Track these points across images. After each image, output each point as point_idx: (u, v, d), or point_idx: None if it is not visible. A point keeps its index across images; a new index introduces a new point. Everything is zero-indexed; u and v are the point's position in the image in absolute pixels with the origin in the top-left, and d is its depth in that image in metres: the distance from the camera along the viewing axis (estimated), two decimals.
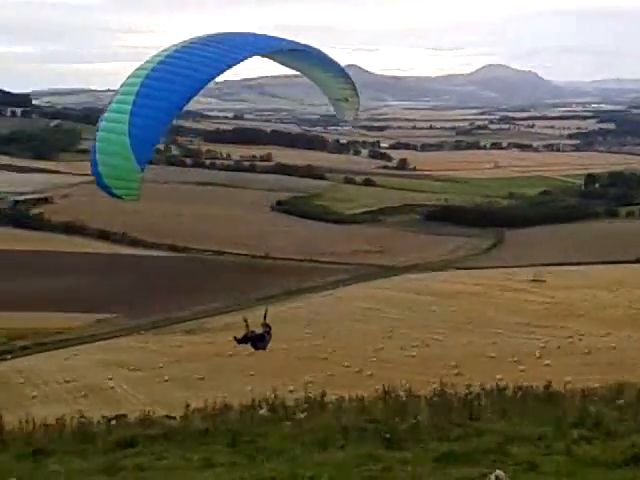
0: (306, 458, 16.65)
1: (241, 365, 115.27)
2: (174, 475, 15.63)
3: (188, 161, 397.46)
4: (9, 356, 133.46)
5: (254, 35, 20.94)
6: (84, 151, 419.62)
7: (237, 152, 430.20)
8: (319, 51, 22.01)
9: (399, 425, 18.49)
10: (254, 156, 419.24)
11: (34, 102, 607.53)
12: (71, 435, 19.78)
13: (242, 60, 19.60)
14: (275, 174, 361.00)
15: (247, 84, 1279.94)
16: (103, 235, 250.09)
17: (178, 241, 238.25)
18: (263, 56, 21.59)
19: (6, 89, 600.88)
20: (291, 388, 68.02)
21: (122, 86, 18.84)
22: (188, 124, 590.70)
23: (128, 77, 18.90)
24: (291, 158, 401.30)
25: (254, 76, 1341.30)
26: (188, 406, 22.91)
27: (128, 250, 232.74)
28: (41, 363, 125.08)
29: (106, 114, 18.71)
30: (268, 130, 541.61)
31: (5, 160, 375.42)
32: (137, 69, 18.94)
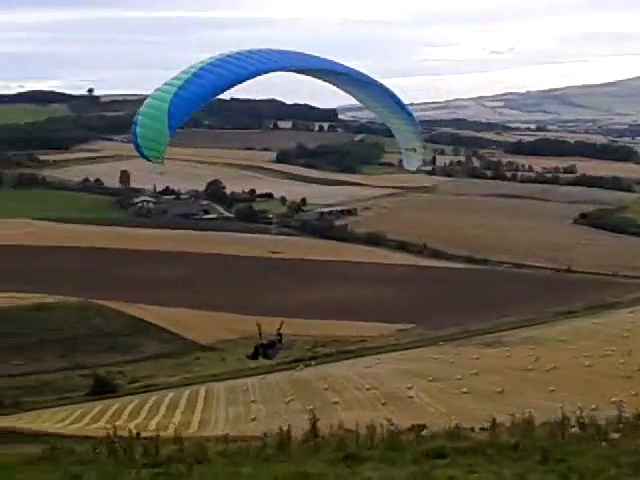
0: None
1: (540, 380, 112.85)
2: None
3: (489, 173, 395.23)
4: (313, 362, 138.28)
5: (306, 55, 22.96)
6: (386, 164, 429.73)
7: (539, 164, 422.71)
8: (387, 90, 22.94)
9: None
10: (557, 168, 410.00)
11: (340, 117, 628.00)
12: (380, 442, 19.90)
13: (273, 70, 21.79)
14: (579, 186, 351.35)
15: (551, 95, 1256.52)
16: (402, 246, 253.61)
17: (476, 253, 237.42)
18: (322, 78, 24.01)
19: (314, 105, 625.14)
20: (593, 406, 65.70)
21: (189, 67, 21.02)
22: (489, 136, 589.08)
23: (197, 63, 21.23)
24: (596, 169, 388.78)
25: (558, 86, 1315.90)
26: (494, 420, 22.46)
27: (427, 261, 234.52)
28: (343, 370, 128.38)
29: (161, 86, 20.87)
30: (572, 141, 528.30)
31: (312, 173, 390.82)
32: (202, 61, 21.27)
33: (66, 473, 17.66)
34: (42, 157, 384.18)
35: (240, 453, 19.50)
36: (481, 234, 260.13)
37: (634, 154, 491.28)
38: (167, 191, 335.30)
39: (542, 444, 18.75)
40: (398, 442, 19.77)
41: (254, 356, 25.59)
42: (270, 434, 21.49)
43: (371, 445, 19.80)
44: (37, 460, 19.51)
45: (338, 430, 21.08)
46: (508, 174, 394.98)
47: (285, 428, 20.35)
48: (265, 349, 25.35)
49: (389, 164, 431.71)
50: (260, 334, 25.69)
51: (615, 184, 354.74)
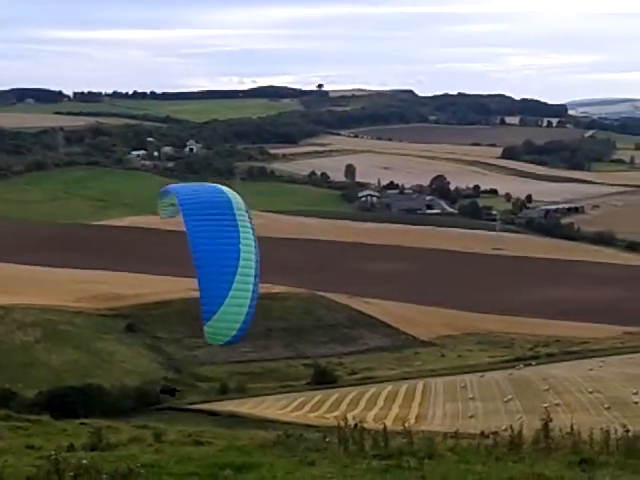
0: None
1: None
2: None
3: None
4: (534, 362, 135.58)
5: None
6: (618, 161, 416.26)
7: None
8: None
9: None
10: None
11: (570, 112, 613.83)
12: (616, 448, 19.21)
13: None
14: None
15: None
16: (633, 246, 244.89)
17: None
18: None
19: (543, 100, 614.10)
20: None
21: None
22: None
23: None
24: None
25: None
26: None
27: None
28: (565, 371, 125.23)
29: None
30: None
31: (539, 170, 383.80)
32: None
33: (302, 460, 18.09)
34: (272, 151, 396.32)
35: (470, 450, 19.34)
36: None
37: None
38: (391, 185, 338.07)
39: None
40: (636, 449, 19.03)
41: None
42: (495, 432, 21.23)
43: (607, 450, 19.17)
44: (271, 445, 20.11)
45: (568, 433, 20.49)
46: None
47: (514, 427, 20.03)
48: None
49: (621, 161, 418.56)
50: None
51: None
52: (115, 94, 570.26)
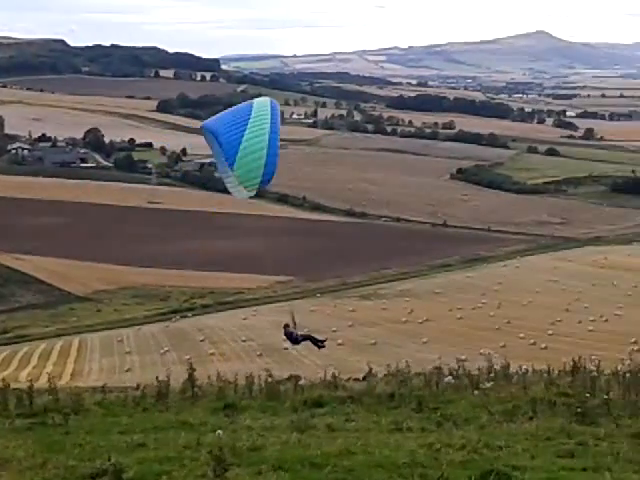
0: (495, 427, 16.33)
1: (414, 332, 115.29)
2: (365, 437, 15.61)
3: (370, 127, 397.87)
4: (190, 314, 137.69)
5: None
6: None
7: (419, 119, 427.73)
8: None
9: (590, 400, 17.88)
10: (436, 123, 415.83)
11: (223, 67, 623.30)
12: (259, 392, 20.12)
13: None
14: (457, 142, 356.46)
15: (433, 50, 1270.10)
16: (283, 199, 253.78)
17: (356, 206, 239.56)
18: None
19: (196, 54, 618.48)
20: (464, 357, 67.29)
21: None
22: (371, 90, 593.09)
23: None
24: (474, 126, 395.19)
25: (440, 42, 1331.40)
26: (370, 370, 22.85)
27: (307, 214, 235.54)
28: (220, 322, 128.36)
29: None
30: (451, 97, 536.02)
31: (194, 123, 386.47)
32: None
33: None
34: None
35: (118, 403, 19.45)
36: (361, 188, 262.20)
37: (511, 111, 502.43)
38: (43, 138, 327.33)
39: (417, 393, 19.24)
40: (277, 392, 20.03)
41: (299, 339, 24.18)
42: (148, 385, 21.44)
43: (250, 395, 20.01)
44: None
45: (216, 381, 21.18)
46: (389, 128, 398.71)
47: (163, 379, 20.33)
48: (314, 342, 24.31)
49: None
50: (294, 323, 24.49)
51: (492, 141, 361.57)
52: None
